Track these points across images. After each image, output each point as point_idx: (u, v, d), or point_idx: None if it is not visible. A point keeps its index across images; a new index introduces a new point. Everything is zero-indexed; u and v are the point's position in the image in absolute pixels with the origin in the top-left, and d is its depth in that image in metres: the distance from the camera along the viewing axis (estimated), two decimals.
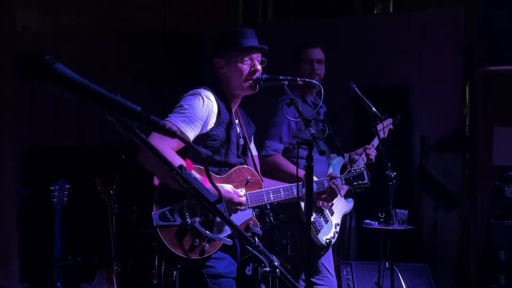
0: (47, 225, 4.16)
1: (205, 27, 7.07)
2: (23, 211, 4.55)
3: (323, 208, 3.92)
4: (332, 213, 4.01)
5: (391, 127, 4.43)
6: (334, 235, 3.97)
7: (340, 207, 4.10)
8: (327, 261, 4.05)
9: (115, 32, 6.04)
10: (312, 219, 3.80)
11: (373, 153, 4.18)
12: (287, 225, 4.74)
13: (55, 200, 4.11)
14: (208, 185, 2.82)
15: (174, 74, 6.64)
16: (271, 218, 5.08)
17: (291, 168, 3.75)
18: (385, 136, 4.28)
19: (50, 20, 5.04)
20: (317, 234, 3.82)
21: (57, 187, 4.13)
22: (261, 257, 1.59)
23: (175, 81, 6.50)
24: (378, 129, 4.21)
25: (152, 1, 6.85)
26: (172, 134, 1.10)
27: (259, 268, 1.60)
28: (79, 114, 5.16)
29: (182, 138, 1.14)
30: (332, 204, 3.99)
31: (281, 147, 3.91)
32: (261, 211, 5.13)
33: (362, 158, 4.13)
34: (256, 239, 1.59)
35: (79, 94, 1.04)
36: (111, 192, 4.48)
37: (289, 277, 1.68)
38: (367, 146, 4.20)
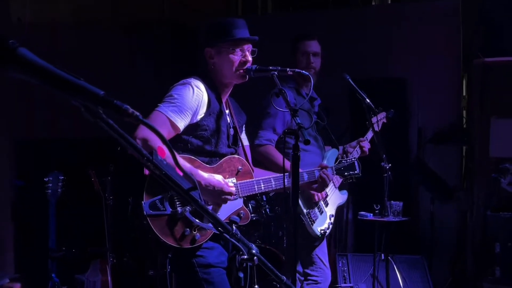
0: (42, 217, 4.17)
1: (203, 19, 7.05)
2: (17, 202, 4.56)
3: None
4: (326, 204, 4.01)
5: (385, 120, 4.43)
6: (329, 226, 3.97)
7: (334, 198, 4.09)
8: (322, 252, 4.04)
9: (112, 24, 6.03)
10: (307, 210, 3.80)
11: (366, 145, 4.17)
12: (283, 217, 4.75)
13: (49, 191, 4.12)
14: (198, 174, 2.82)
15: (172, 66, 6.63)
16: (267, 210, 5.09)
17: (281, 159, 3.74)
18: (379, 129, 4.27)
19: (45, 12, 5.04)
20: (312, 224, 3.82)
21: (51, 179, 4.14)
22: (238, 244, 1.58)
23: (173, 73, 6.48)
24: (373, 122, 4.21)
25: None
26: (135, 118, 1.09)
27: (237, 256, 1.60)
28: (73, 105, 5.15)
29: (146, 122, 1.13)
30: (327, 195, 3.99)
31: (275, 137, 3.91)
32: (257, 203, 5.15)
33: (356, 151, 4.12)
34: (234, 227, 1.59)
35: (42, 78, 1.04)
36: (106, 183, 4.49)
37: (269, 264, 1.68)
38: (361, 138, 4.19)
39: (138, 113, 1.08)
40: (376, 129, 4.21)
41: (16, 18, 4.61)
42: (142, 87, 6.29)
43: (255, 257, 1.60)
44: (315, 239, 3.90)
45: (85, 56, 5.52)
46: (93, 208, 4.39)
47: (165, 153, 1.37)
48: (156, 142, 2.75)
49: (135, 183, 3.77)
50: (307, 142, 2.66)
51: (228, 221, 1.65)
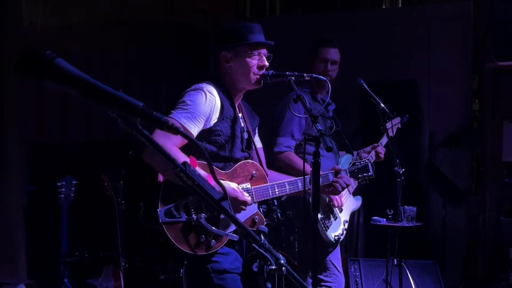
0: (54, 221, 4.16)
1: (212, 21, 7.05)
2: (29, 207, 4.55)
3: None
4: (341, 210, 3.99)
5: (399, 126, 4.40)
6: (343, 232, 3.95)
7: (349, 204, 4.07)
8: (335, 258, 4.02)
9: (122, 27, 6.03)
10: (321, 216, 3.78)
11: (382, 151, 4.15)
12: (295, 222, 4.72)
13: (62, 196, 4.11)
14: (213, 182, 2.81)
15: (181, 69, 6.63)
16: (279, 214, 5.05)
17: (302, 165, 3.70)
18: (394, 134, 4.25)
19: (57, 15, 5.04)
20: (326, 230, 3.80)
21: (64, 183, 4.13)
22: (267, 255, 1.56)
23: (182, 76, 6.48)
24: (387, 127, 4.18)
25: None
26: (175, 130, 1.07)
27: (265, 266, 1.57)
28: (85, 110, 5.16)
29: (185, 134, 1.12)
30: (342, 199, 3.98)
31: (293, 143, 3.90)
32: (268, 207, 5.10)
33: (371, 156, 4.10)
34: (262, 237, 1.57)
35: (81, 90, 1.02)
36: (118, 188, 4.47)
37: (295, 274, 1.66)
38: (375, 144, 4.17)
39: (178, 125, 1.06)
40: (391, 134, 4.18)
41: (28, 22, 4.61)
42: (151, 90, 6.29)
43: (283, 267, 1.58)
44: (329, 245, 3.88)
45: (95, 59, 5.52)
46: (106, 212, 4.37)
47: (197, 163, 1.37)
48: (171, 150, 2.74)
49: (146, 188, 3.75)
50: (329, 149, 2.64)
51: (256, 231, 1.63)
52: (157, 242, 2.96)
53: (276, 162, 3.74)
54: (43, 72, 1.01)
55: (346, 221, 4.02)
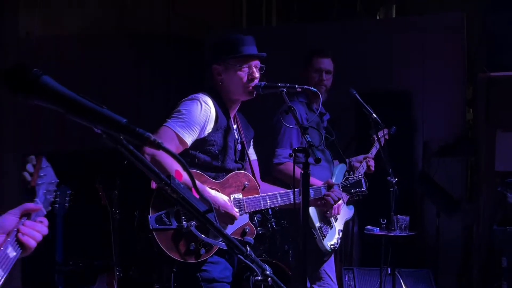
0: (49, 230, 4.16)
1: (208, 31, 7.09)
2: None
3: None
4: (336, 219, 4.02)
5: (387, 137, 4.44)
6: (338, 241, 3.98)
7: (342, 213, 4.10)
8: (329, 267, 4.04)
9: (118, 37, 6.06)
10: (318, 225, 3.81)
11: (372, 163, 4.20)
12: (289, 231, 4.74)
13: (57, 205, 4.13)
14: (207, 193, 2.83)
15: (177, 79, 6.66)
16: (273, 223, 5.09)
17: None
18: (382, 145, 4.28)
19: (53, 26, 5.08)
20: (323, 239, 3.83)
21: (58, 193, 4.14)
22: (253, 266, 1.59)
23: (178, 85, 6.51)
24: (375, 138, 4.22)
25: (155, 6, 6.87)
26: (157, 146, 1.11)
27: (251, 277, 1.60)
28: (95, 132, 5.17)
29: (167, 149, 1.15)
30: (340, 208, 4.00)
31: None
32: (263, 217, 5.15)
33: (362, 166, 4.14)
34: (248, 248, 1.60)
35: (66, 107, 1.06)
36: (112, 197, 4.50)
37: (282, 285, 1.69)
38: (366, 155, 4.21)
39: (160, 141, 1.09)
40: (378, 145, 4.22)
41: (24, 33, 4.64)
42: (147, 100, 6.32)
43: (269, 278, 1.61)
44: (324, 254, 3.90)
45: (91, 69, 5.55)
46: (100, 221, 4.40)
47: (182, 177, 1.40)
48: (164, 158, 2.77)
49: (141, 197, 3.78)
50: (317, 161, 2.67)
51: (242, 241, 1.65)
52: (151, 251, 2.97)
53: (275, 173, 3.75)
54: (29, 89, 1.04)
55: (341, 230, 4.05)
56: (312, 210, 3.75)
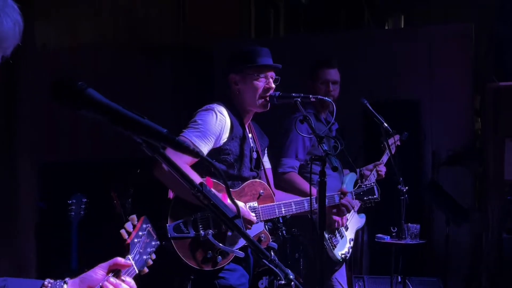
0: (64, 238, 4.23)
1: (217, 42, 7.16)
2: (40, 224, 4.63)
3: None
4: (346, 229, 4.06)
5: (399, 143, 4.48)
6: (349, 250, 4.02)
7: (354, 222, 4.15)
8: (341, 276, 4.08)
9: (128, 47, 6.14)
10: (328, 235, 3.85)
11: (383, 169, 4.23)
12: (300, 239, 4.78)
13: (72, 213, 4.19)
14: (227, 200, 2.91)
15: (188, 89, 6.73)
16: (284, 231, 5.12)
17: (306, 186, 3.77)
18: (393, 152, 4.32)
19: (68, 37, 5.16)
20: (333, 249, 3.87)
21: (74, 201, 4.21)
22: (276, 270, 1.64)
23: (188, 95, 6.58)
24: (386, 145, 4.26)
25: (166, 17, 6.96)
26: (196, 154, 1.17)
27: (275, 281, 1.66)
28: (94, 129, 5.25)
29: (206, 158, 1.21)
30: (347, 220, 4.04)
31: (297, 164, 3.95)
32: (273, 225, 5.17)
33: (373, 174, 4.18)
34: (272, 253, 1.66)
35: (111, 117, 1.12)
36: (126, 206, 4.55)
37: None
38: (377, 162, 4.25)
39: (198, 149, 1.16)
40: (389, 153, 4.26)
41: (41, 44, 4.73)
42: (158, 109, 6.38)
43: (292, 282, 1.67)
44: (336, 263, 3.94)
45: (104, 79, 5.63)
46: (115, 230, 4.44)
47: (212, 184, 1.46)
48: (184, 168, 2.83)
49: (154, 206, 3.84)
50: (335, 169, 2.73)
51: (266, 247, 1.71)
52: (165, 259, 3.02)
53: (279, 183, 3.81)
54: (77, 102, 1.11)
55: (352, 239, 4.09)
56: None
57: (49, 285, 1.58)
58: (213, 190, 2.86)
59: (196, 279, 3.02)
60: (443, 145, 6.20)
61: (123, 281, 1.69)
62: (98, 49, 5.56)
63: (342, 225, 3.95)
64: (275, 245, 1.80)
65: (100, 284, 1.63)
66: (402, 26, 8.27)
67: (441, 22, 7.38)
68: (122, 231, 1.82)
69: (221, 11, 7.84)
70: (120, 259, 1.72)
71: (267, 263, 1.63)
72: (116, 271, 1.71)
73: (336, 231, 3.94)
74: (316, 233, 3.48)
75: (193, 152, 1.16)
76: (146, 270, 1.86)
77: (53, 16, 4.97)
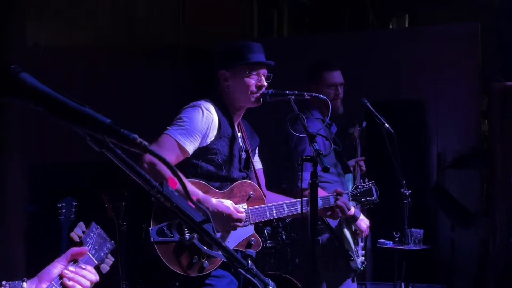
0: (54, 242, 4.10)
1: (219, 42, 7.05)
2: (30, 228, 4.50)
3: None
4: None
5: (359, 133, 4.35)
6: (363, 256, 3.88)
7: None
8: (353, 285, 3.93)
9: (128, 48, 6.04)
10: (355, 247, 3.71)
11: (362, 163, 4.13)
12: (300, 244, 4.65)
13: (62, 217, 4.06)
14: (212, 202, 2.74)
15: (188, 90, 6.62)
16: (283, 236, 4.99)
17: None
18: (361, 143, 4.23)
19: (61, 36, 5.05)
20: (357, 258, 3.72)
21: (64, 204, 4.08)
22: (254, 280, 1.50)
23: (189, 97, 6.45)
24: (356, 135, 4.16)
25: (166, 17, 6.86)
26: (144, 148, 1.02)
27: None
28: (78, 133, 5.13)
29: (155, 153, 1.06)
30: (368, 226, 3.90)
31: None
32: (273, 230, 5.05)
33: (357, 170, 4.06)
34: (249, 261, 1.50)
35: (45, 105, 0.97)
36: (119, 209, 4.42)
37: None
38: (357, 158, 4.16)
39: (146, 143, 1.01)
40: (360, 143, 4.15)
41: (32, 43, 4.61)
42: (158, 110, 6.26)
43: None
44: (355, 272, 3.79)
45: (99, 80, 5.51)
46: (107, 234, 4.31)
47: (176, 184, 1.32)
48: (163, 167, 2.69)
49: (148, 209, 3.68)
50: (326, 170, 2.57)
51: (243, 254, 1.56)
52: (158, 264, 2.88)
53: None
54: (8, 88, 0.96)
55: (362, 245, 3.95)
56: (347, 234, 3.65)
57: (7, 285, 1.47)
58: (192, 189, 2.72)
59: (181, 286, 2.86)
60: (449, 146, 6.09)
61: (83, 268, 1.64)
62: (93, 49, 5.44)
63: (366, 234, 3.80)
64: (253, 252, 1.65)
65: (60, 273, 1.59)
66: (407, 26, 8.16)
67: (447, 22, 7.24)
68: (72, 234, 1.78)
69: (222, 11, 7.75)
70: (75, 248, 1.69)
71: (243, 272, 1.48)
72: (74, 261, 1.67)
73: (357, 240, 3.78)
74: (336, 241, 3.31)
75: (140, 145, 1.01)
76: (106, 267, 1.80)
77: (46, 15, 4.86)
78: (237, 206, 2.91)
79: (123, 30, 6.07)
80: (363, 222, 3.69)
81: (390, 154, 4.14)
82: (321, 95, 3.06)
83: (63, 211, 4.08)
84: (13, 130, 4.33)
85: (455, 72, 6.23)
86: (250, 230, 3.00)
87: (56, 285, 1.56)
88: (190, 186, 2.68)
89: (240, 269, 1.45)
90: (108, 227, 4.35)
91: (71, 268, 1.62)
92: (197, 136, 2.85)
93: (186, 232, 2.76)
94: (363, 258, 3.85)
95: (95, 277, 1.64)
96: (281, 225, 5.01)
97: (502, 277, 5.19)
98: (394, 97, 6.18)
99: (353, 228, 3.73)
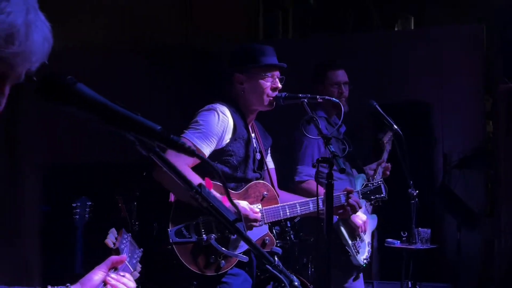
0: (69, 242, 4.18)
1: (225, 44, 7.11)
2: (45, 227, 4.58)
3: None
4: (364, 232, 3.98)
5: (392, 138, 4.39)
6: (369, 254, 3.95)
7: (369, 225, 4.07)
8: (359, 281, 4.00)
9: (136, 49, 6.10)
10: (352, 242, 3.76)
11: (386, 166, 4.17)
12: (308, 244, 4.71)
13: (77, 217, 4.15)
14: (228, 203, 2.83)
15: (194, 90, 6.68)
16: (292, 236, 5.05)
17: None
18: (390, 148, 4.26)
19: (70, 37, 5.11)
20: (357, 255, 3.79)
21: (79, 204, 4.17)
22: (281, 276, 1.57)
23: (196, 97, 6.51)
24: (385, 141, 4.20)
25: (174, 19, 6.91)
26: (191, 153, 1.10)
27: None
28: (99, 131, 5.20)
29: (201, 157, 1.14)
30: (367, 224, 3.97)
31: (314, 171, 3.84)
32: (281, 229, 5.11)
33: (378, 173, 4.11)
34: (276, 258, 1.58)
35: (100, 114, 1.06)
36: (132, 209, 4.50)
37: None
38: (380, 160, 4.18)
39: (193, 148, 1.09)
40: (389, 148, 4.20)
41: None
42: (164, 111, 6.33)
43: None
44: (358, 269, 3.85)
45: (106, 80, 5.58)
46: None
47: (212, 185, 1.40)
48: (183, 169, 2.76)
49: (160, 209, 3.76)
50: (342, 171, 2.65)
51: (269, 252, 1.64)
52: (170, 263, 2.96)
53: (297, 192, 3.69)
54: (64, 98, 1.04)
55: (369, 242, 4.02)
56: (343, 229, 3.72)
57: None
58: (213, 192, 2.81)
59: (198, 285, 2.94)
60: (454, 148, 6.13)
61: (122, 276, 1.72)
62: (101, 50, 5.51)
63: (365, 230, 3.87)
64: (279, 250, 1.72)
65: (103, 280, 1.66)
66: (412, 28, 8.20)
67: (452, 24, 7.29)
68: (107, 241, 1.84)
69: (228, 12, 7.79)
70: (115, 256, 1.76)
71: (271, 268, 1.55)
72: (114, 269, 1.75)
73: (358, 236, 3.85)
74: (333, 237, 3.39)
75: (188, 150, 1.09)
76: (137, 275, 1.89)
77: (55, 18, 4.91)
78: (252, 206, 2.98)
79: (128, 31, 6.13)
80: (358, 218, 3.76)
81: (398, 155, 4.21)
82: (333, 99, 3.14)
83: (78, 211, 4.17)
84: (27, 131, 4.40)
85: (459, 73, 6.26)
86: (264, 229, 3.08)
87: None
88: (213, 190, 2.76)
89: (267, 266, 1.52)
90: (122, 226, 4.44)
91: (113, 275, 1.70)
92: (214, 139, 2.93)
93: (203, 233, 2.84)
94: (368, 255, 3.91)
95: (133, 284, 1.73)
96: (289, 225, 5.07)
97: (506, 276, 5.25)
98: (398, 98, 6.22)
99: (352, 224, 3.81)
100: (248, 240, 1.43)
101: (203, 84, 6.76)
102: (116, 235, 1.88)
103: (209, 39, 7.23)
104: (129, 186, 4.60)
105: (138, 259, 1.93)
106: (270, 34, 8.50)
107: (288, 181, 3.81)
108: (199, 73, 6.90)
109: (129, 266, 1.82)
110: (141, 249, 1.97)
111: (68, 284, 1.61)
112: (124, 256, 1.79)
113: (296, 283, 1.59)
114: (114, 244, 1.83)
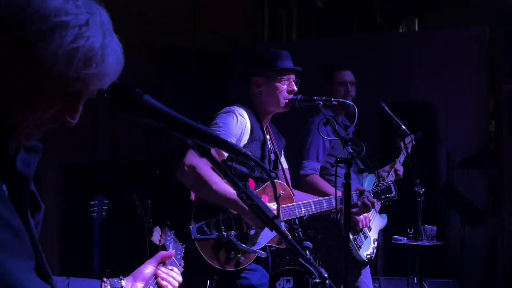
0: (86, 239, 4.30)
1: (231, 46, 7.21)
2: (62, 225, 4.70)
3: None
4: (370, 229, 4.11)
5: (414, 142, 4.52)
6: (373, 250, 4.06)
7: (376, 223, 4.19)
8: (366, 276, 4.12)
9: (143, 51, 6.18)
10: (353, 236, 3.89)
11: (400, 169, 4.28)
12: (321, 240, 4.82)
13: (95, 214, 4.26)
14: (266, 201, 2.96)
15: (201, 92, 6.78)
16: (300, 233, 5.16)
17: (328, 188, 3.82)
18: (408, 152, 4.37)
19: None
20: (359, 250, 3.91)
21: (96, 202, 4.29)
22: (312, 269, 1.70)
23: (202, 99, 6.62)
24: (402, 145, 4.31)
25: (181, 19, 6.99)
26: (247, 157, 1.23)
27: (310, 279, 1.71)
28: (114, 131, 5.31)
29: (258, 162, 1.27)
30: (370, 220, 4.09)
31: (318, 166, 4.01)
32: (290, 226, 5.22)
33: (391, 175, 4.22)
34: (307, 252, 1.71)
35: (166, 123, 1.19)
36: (146, 206, 4.61)
37: None
38: (393, 162, 4.30)
39: (249, 152, 1.22)
40: (405, 152, 4.31)
41: None
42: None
43: (327, 281, 1.72)
44: (361, 265, 3.98)
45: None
46: (136, 231, 4.51)
47: (254, 185, 1.52)
48: (204, 170, 2.90)
49: (172, 206, 3.87)
50: (361, 171, 2.78)
51: (302, 246, 1.76)
52: (200, 259, 3.08)
53: (301, 185, 3.85)
54: (134, 109, 1.18)
55: (376, 240, 4.13)
56: (342, 224, 3.83)
57: (108, 281, 1.67)
58: (255, 191, 2.94)
59: (219, 280, 3.07)
60: (458, 147, 6.22)
61: (171, 270, 1.82)
62: None
63: (366, 226, 3.99)
64: (310, 244, 1.85)
65: (154, 273, 1.75)
66: (416, 29, 8.28)
67: (456, 26, 7.39)
68: (153, 238, 1.96)
69: (233, 14, 7.87)
70: (163, 252, 1.85)
71: (303, 262, 1.68)
72: (163, 263, 1.84)
73: (360, 232, 3.98)
74: (341, 234, 3.53)
75: (245, 154, 1.22)
76: (181, 269, 2.00)
77: None
78: (269, 205, 3.11)
79: (136, 33, 6.21)
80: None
81: (404, 152, 4.33)
82: (348, 101, 3.26)
83: (96, 208, 4.28)
84: (46, 131, 4.50)
85: (463, 74, 6.34)
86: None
87: (152, 284, 1.74)
88: (227, 187, 2.89)
89: (300, 259, 1.66)
90: (138, 224, 4.57)
91: (162, 269, 1.80)
92: (232, 140, 3.05)
93: (223, 229, 2.97)
94: (372, 252, 4.02)
95: (180, 278, 1.83)
96: (297, 222, 5.17)
97: (510, 273, 5.38)
98: (402, 99, 6.30)
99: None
100: (284, 236, 1.56)
101: (208, 83, 6.86)
102: (160, 233, 1.99)
103: (214, 41, 7.31)
104: (144, 184, 4.72)
105: (182, 254, 2.04)
106: (274, 36, 8.60)
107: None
108: (206, 74, 6.99)
109: (175, 261, 1.92)
110: (184, 245, 2.09)
111: (121, 277, 1.72)
112: (173, 251, 1.90)
113: (325, 275, 1.73)
114: (159, 241, 1.95)
